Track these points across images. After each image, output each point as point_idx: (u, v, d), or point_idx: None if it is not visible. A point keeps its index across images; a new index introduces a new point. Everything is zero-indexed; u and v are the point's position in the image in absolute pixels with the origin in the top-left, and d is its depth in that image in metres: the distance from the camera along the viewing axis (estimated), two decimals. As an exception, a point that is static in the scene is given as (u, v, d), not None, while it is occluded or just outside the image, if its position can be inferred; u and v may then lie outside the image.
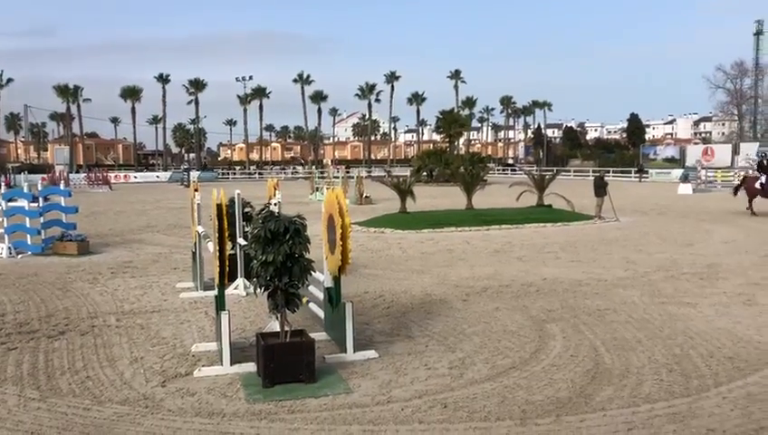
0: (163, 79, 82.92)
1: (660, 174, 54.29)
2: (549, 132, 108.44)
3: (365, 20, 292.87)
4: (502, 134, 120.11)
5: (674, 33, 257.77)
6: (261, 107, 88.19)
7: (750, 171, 39.20)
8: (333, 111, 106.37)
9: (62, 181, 20.59)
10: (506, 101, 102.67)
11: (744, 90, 74.68)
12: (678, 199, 31.15)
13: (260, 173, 73.77)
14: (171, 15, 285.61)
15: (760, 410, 5.18)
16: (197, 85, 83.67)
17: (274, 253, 5.77)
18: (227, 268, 6.64)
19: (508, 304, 8.96)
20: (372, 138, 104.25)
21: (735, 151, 54.20)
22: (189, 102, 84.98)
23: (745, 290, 9.73)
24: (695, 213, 23.12)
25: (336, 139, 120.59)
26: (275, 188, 9.78)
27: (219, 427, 4.98)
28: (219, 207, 6.84)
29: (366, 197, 29.32)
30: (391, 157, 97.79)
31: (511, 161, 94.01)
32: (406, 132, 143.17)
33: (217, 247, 6.58)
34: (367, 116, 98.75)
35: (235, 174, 76.57)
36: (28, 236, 14.37)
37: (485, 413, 5.18)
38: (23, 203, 14.82)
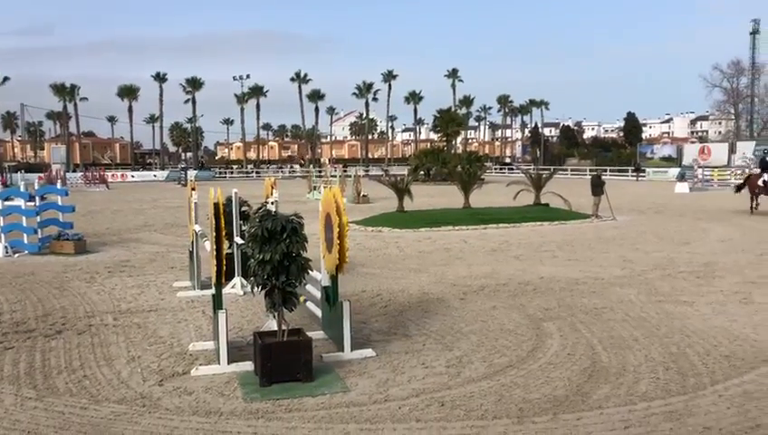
0: (160, 78, 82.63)
1: (657, 173, 54.26)
2: (546, 131, 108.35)
3: (363, 20, 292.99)
4: (499, 133, 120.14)
5: (671, 32, 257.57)
6: (258, 106, 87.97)
7: (747, 170, 39.32)
8: (331, 110, 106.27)
9: (59, 180, 20.59)
10: (503, 100, 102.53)
11: (740, 89, 74.73)
12: (675, 198, 31.19)
13: (257, 172, 73.64)
14: (170, 15, 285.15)
15: (756, 408, 5.20)
16: (195, 84, 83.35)
17: (272, 252, 5.77)
18: (224, 267, 6.63)
19: (505, 303, 8.98)
20: (370, 137, 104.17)
21: (732, 150, 54.23)
22: (186, 101, 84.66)
23: (742, 288, 9.77)
24: (691, 212, 23.17)
25: (333, 137, 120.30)
26: (272, 187, 9.77)
27: (216, 426, 4.98)
28: (216, 205, 6.83)
29: (363, 195, 29.29)
30: (389, 156, 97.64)
31: (508, 160, 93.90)
32: (403, 131, 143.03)
33: (214, 246, 6.58)
34: (364, 115, 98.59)
35: (232, 173, 76.33)
36: (25, 235, 14.34)
37: (483, 411, 5.19)
38: (19, 202, 14.78)
